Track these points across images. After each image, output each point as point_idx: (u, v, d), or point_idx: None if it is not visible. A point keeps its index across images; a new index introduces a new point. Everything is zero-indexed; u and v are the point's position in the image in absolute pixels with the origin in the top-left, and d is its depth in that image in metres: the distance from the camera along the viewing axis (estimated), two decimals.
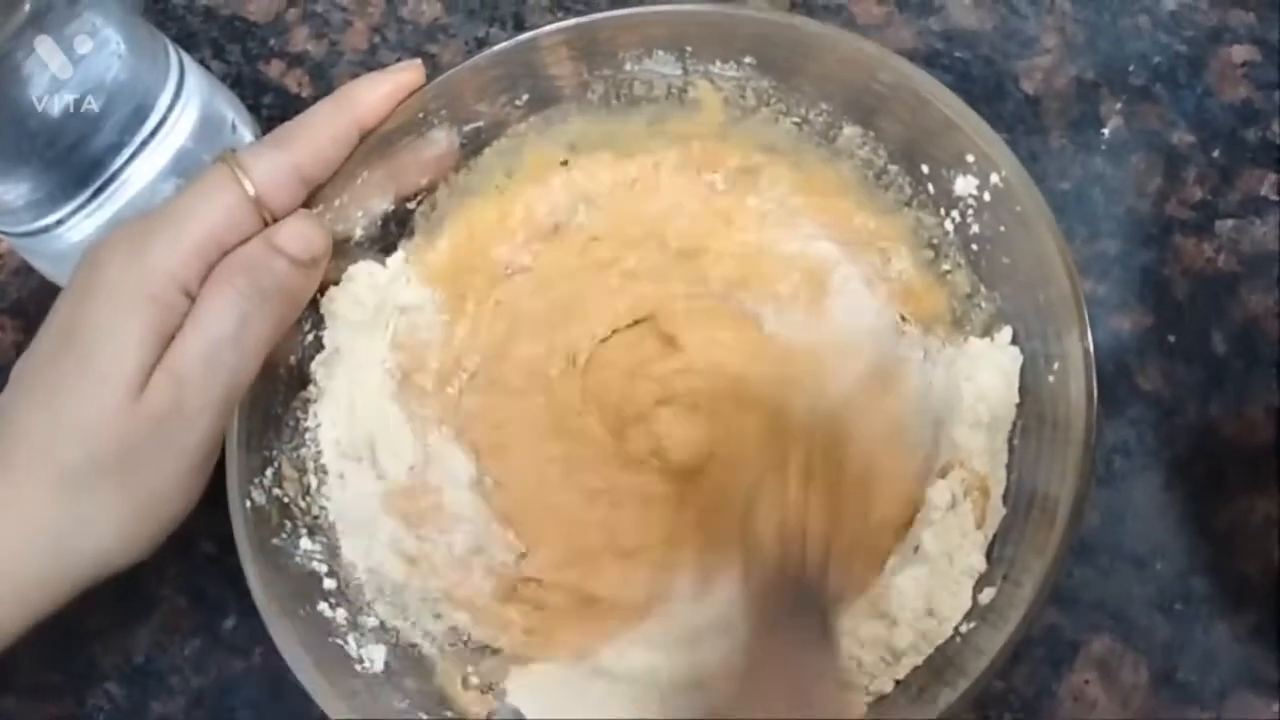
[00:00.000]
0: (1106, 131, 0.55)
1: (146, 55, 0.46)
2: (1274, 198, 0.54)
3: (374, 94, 0.44)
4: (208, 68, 0.53)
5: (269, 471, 0.44)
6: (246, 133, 0.51)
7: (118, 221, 0.46)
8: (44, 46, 0.43)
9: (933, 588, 0.43)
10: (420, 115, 0.46)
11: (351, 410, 0.47)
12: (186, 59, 0.49)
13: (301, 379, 0.46)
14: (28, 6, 0.42)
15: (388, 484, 0.47)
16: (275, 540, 0.43)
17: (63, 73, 0.43)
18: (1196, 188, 0.54)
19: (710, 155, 0.50)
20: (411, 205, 0.48)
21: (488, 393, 0.50)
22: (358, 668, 0.43)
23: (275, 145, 0.43)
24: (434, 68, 0.49)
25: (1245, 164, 0.54)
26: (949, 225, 0.46)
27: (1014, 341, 0.45)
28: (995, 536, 0.43)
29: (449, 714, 0.44)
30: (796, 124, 0.48)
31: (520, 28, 0.58)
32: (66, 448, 0.39)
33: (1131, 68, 0.56)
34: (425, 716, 0.43)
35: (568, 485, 0.49)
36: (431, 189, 0.48)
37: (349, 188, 0.45)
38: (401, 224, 0.48)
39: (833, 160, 0.48)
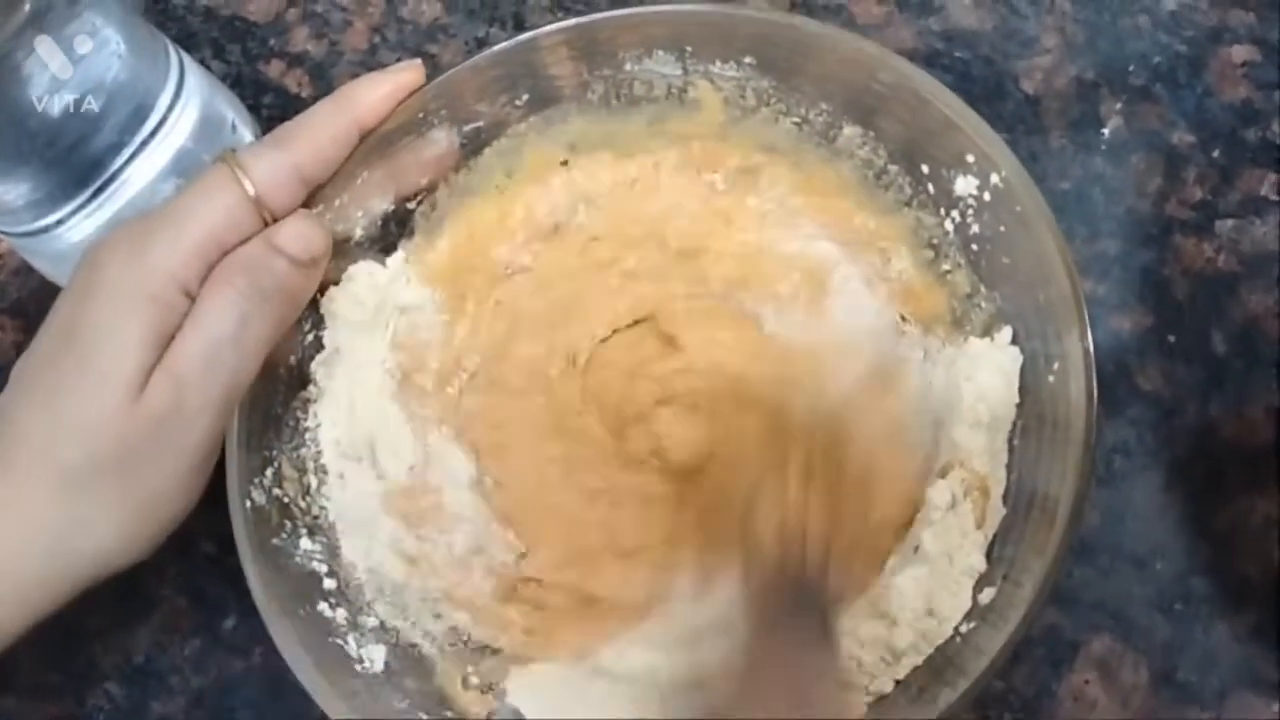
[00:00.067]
0: (1106, 131, 0.55)
1: (146, 55, 0.46)
2: (1274, 198, 0.54)
3: (374, 94, 0.44)
4: (208, 68, 0.53)
5: (269, 471, 0.44)
6: (246, 133, 0.51)
7: (118, 222, 0.46)
8: (44, 46, 0.43)
9: (933, 588, 0.43)
10: (420, 115, 0.46)
11: (351, 410, 0.47)
12: (186, 59, 0.49)
13: (301, 379, 0.46)
14: (27, 6, 0.42)
15: (388, 484, 0.47)
16: (275, 540, 0.43)
17: (63, 73, 0.43)
18: (1196, 188, 0.54)
19: (710, 155, 0.50)
20: (411, 205, 0.48)
21: (488, 393, 0.50)
22: (358, 668, 0.43)
23: (275, 145, 0.43)
24: (434, 68, 0.49)
25: (1245, 164, 0.54)
26: (949, 225, 0.46)
27: (1014, 341, 0.45)
28: (995, 536, 0.43)
29: (449, 714, 0.44)
30: (796, 124, 0.48)
31: (520, 28, 0.58)
32: (66, 448, 0.39)
33: (1131, 68, 0.56)
34: (425, 716, 0.43)
35: (568, 485, 0.49)
36: (431, 189, 0.48)
37: (349, 188, 0.45)
38: (401, 224, 0.48)
39: (833, 160, 0.48)
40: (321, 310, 0.46)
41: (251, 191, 0.41)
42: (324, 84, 0.58)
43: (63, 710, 0.49)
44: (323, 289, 0.46)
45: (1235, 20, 0.56)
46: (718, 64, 0.47)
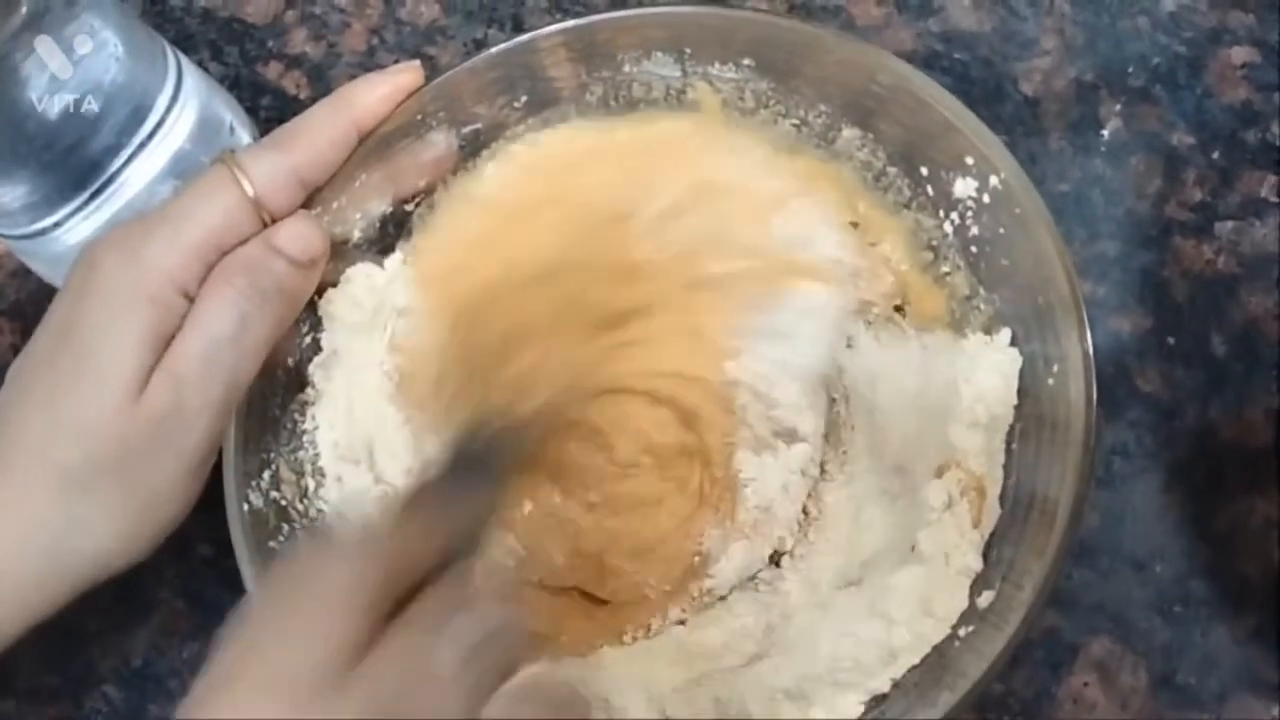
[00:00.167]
0: (1106, 133, 0.55)
1: (144, 57, 0.46)
2: (1273, 199, 0.54)
3: (372, 96, 0.44)
4: (206, 69, 0.53)
5: (266, 474, 0.44)
6: (244, 135, 0.51)
7: (115, 224, 0.46)
8: (44, 46, 0.43)
9: (929, 587, 0.43)
10: (418, 117, 0.46)
11: (349, 413, 0.47)
12: (184, 61, 0.49)
13: (299, 381, 0.46)
14: (24, 8, 0.42)
15: (385, 487, 0.47)
16: (273, 543, 0.43)
17: (62, 73, 0.43)
18: (1196, 189, 0.54)
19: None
20: (410, 207, 0.48)
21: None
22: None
23: (274, 147, 0.43)
24: (432, 69, 0.48)
25: (1245, 166, 0.54)
26: (948, 227, 0.46)
27: (1013, 343, 0.45)
28: (994, 538, 0.43)
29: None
30: (795, 126, 0.48)
31: (519, 29, 0.58)
32: (65, 448, 0.39)
33: (1131, 69, 0.56)
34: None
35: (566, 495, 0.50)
36: (430, 191, 0.48)
37: (347, 190, 0.45)
38: (400, 226, 0.48)
39: (832, 162, 0.48)
40: (319, 313, 0.46)
41: (250, 193, 0.41)
42: (322, 86, 0.58)
43: (61, 713, 0.49)
44: (320, 291, 0.46)
45: (1235, 21, 0.56)
46: (716, 66, 0.47)
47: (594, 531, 0.49)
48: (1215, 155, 0.55)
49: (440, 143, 0.47)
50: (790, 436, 0.50)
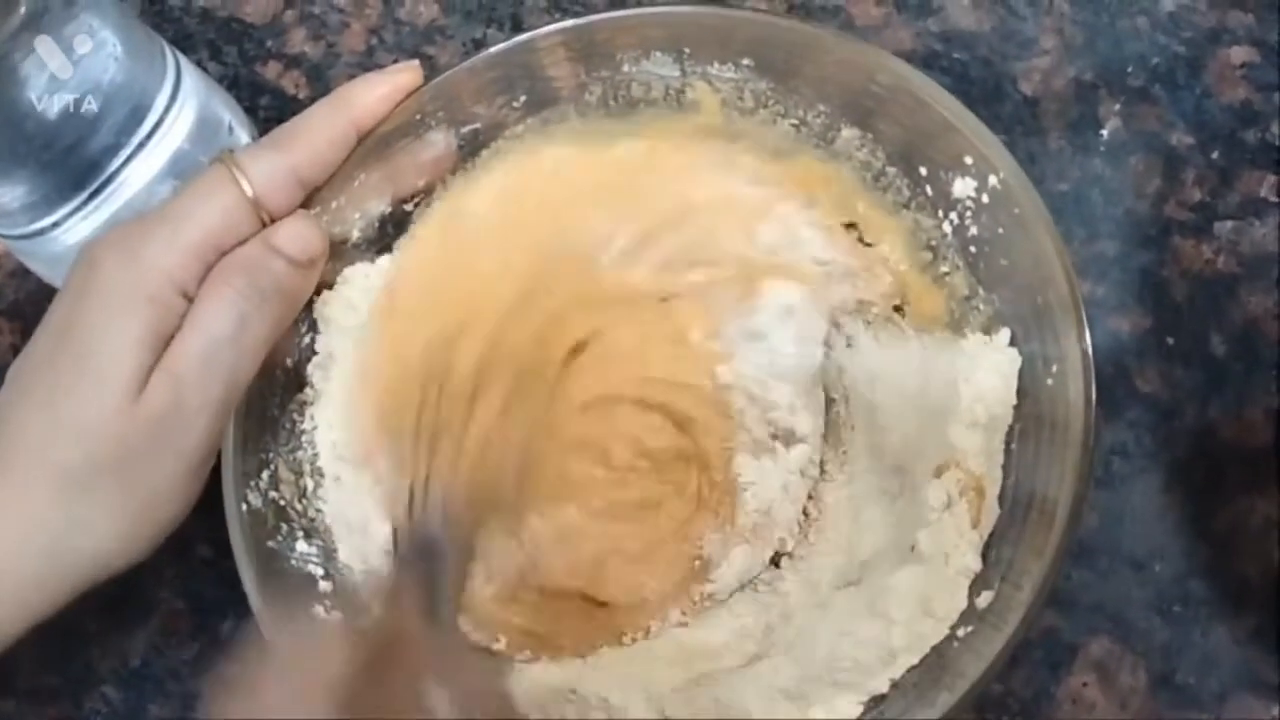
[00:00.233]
0: (1105, 133, 0.55)
1: (143, 57, 0.46)
2: (1273, 199, 0.54)
3: (371, 95, 0.44)
4: (204, 69, 0.53)
5: (265, 474, 0.44)
6: (243, 134, 0.51)
7: (114, 224, 0.46)
8: (44, 46, 0.43)
9: (928, 587, 0.43)
10: (417, 117, 0.46)
11: (348, 413, 0.47)
12: (183, 60, 0.49)
13: (298, 381, 0.46)
14: (23, 8, 0.42)
15: (385, 487, 0.47)
16: (271, 543, 0.43)
17: (62, 73, 0.43)
18: (1195, 189, 0.54)
19: None
20: (409, 207, 0.48)
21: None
22: None
23: (273, 147, 0.43)
24: (431, 69, 0.48)
25: (1244, 165, 0.54)
26: (947, 227, 0.46)
27: (1012, 343, 0.45)
28: (993, 539, 0.43)
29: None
30: (795, 126, 0.48)
31: (518, 29, 0.58)
32: (65, 448, 0.39)
33: (1130, 69, 0.56)
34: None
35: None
36: (428, 191, 0.48)
37: (346, 189, 0.45)
38: (399, 226, 0.48)
39: (831, 162, 0.48)
40: (315, 315, 0.46)
41: (249, 192, 0.41)
42: (321, 85, 0.58)
43: (60, 713, 0.49)
44: (318, 291, 0.46)
45: (1234, 21, 0.56)
46: (715, 65, 0.47)
47: (596, 537, 0.49)
48: (1215, 155, 0.55)
49: (439, 142, 0.47)
50: (789, 438, 0.50)
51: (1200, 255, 0.53)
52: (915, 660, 0.42)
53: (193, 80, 0.49)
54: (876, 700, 0.42)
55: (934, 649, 0.42)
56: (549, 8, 0.59)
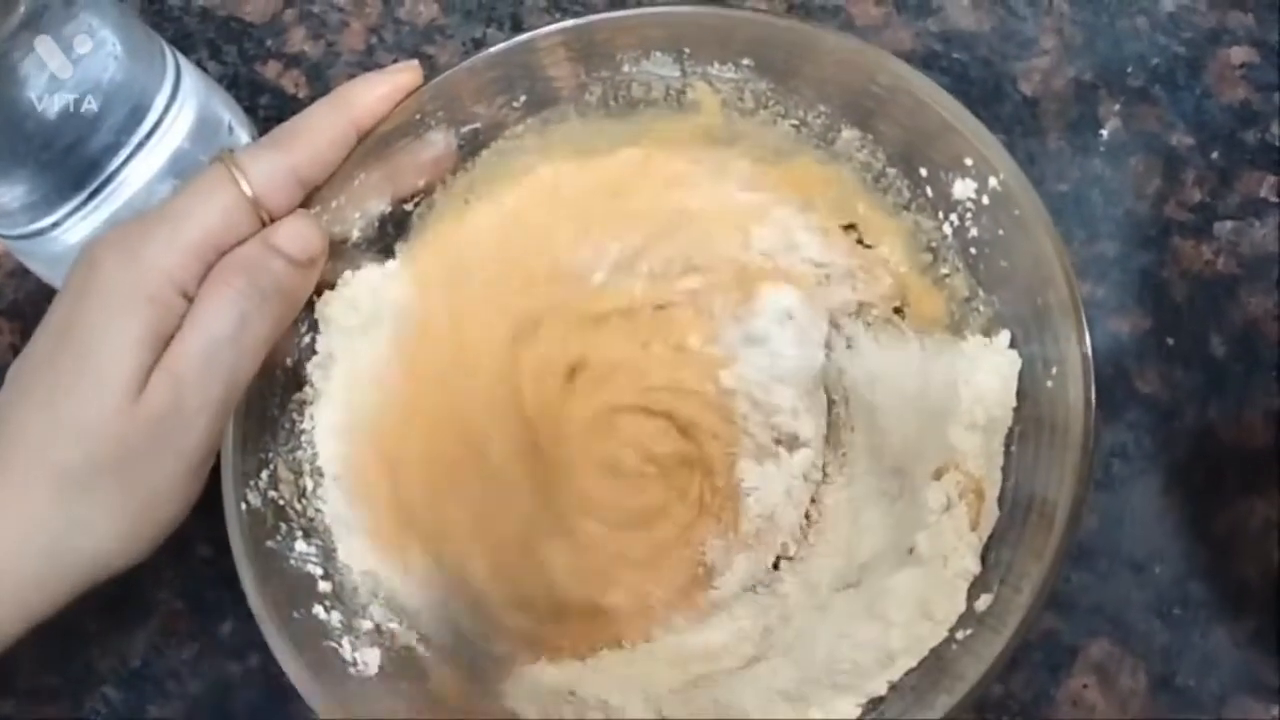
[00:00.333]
0: (1105, 133, 0.55)
1: (143, 56, 0.46)
2: (1273, 199, 0.54)
3: (371, 95, 0.44)
4: (204, 69, 0.53)
5: (264, 474, 0.44)
6: (243, 134, 0.51)
7: (114, 223, 0.46)
8: (44, 46, 0.43)
9: (927, 590, 0.43)
10: (417, 117, 0.46)
11: (348, 413, 0.47)
12: (182, 60, 0.49)
13: (298, 381, 0.46)
14: (23, 8, 0.42)
15: (417, 576, 0.47)
16: (270, 543, 0.43)
17: (62, 72, 0.43)
18: (1195, 190, 0.54)
19: None
20: (409, 207, 0.48)
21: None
22: (352, 670, 0.43)
23: (273, 146, 0.43)
24: (431, 69, 0.48)
25: (1244, 166, 0.54)
26: (948, 229, 0.46)
27: (1012, 345, 0.45)
28: (993, 541, 0.43)
29: (444, 717, 0.44)
30: (795, 126, 0.48)
31: (517, 29, 0.58)
32: (65, 449, 0.39)
33: (1130, 69, 0.56)
34: None
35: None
36: (429, 191, 0.48)
37: (346, 189, 0.45)
38: (399, 226, 0.48)
39: (832, 163, 0.48)
40: (316, 315, 0.46)
41: (249, 192, 0.41)
42: (321, 85, 0.58)
43: (60, 713, 0.49)
44: (319, 291, 0.46)
45: (1234, 21, 0.56)
46: (716, 66, 0.47)
47: (605, 545, 0.49)
48: (1214, 155, 0.55)
49: (439, 142, 0.47)
50: (792, 442, 0.50)
51: (1200, 256, 0.53)
52: (914, 663, 0.42)
53: (192, 80, 0.49)
54: (875, 702, 0.42)
55: (933, 652, 0.42)
56: (548, 7, 0.59)
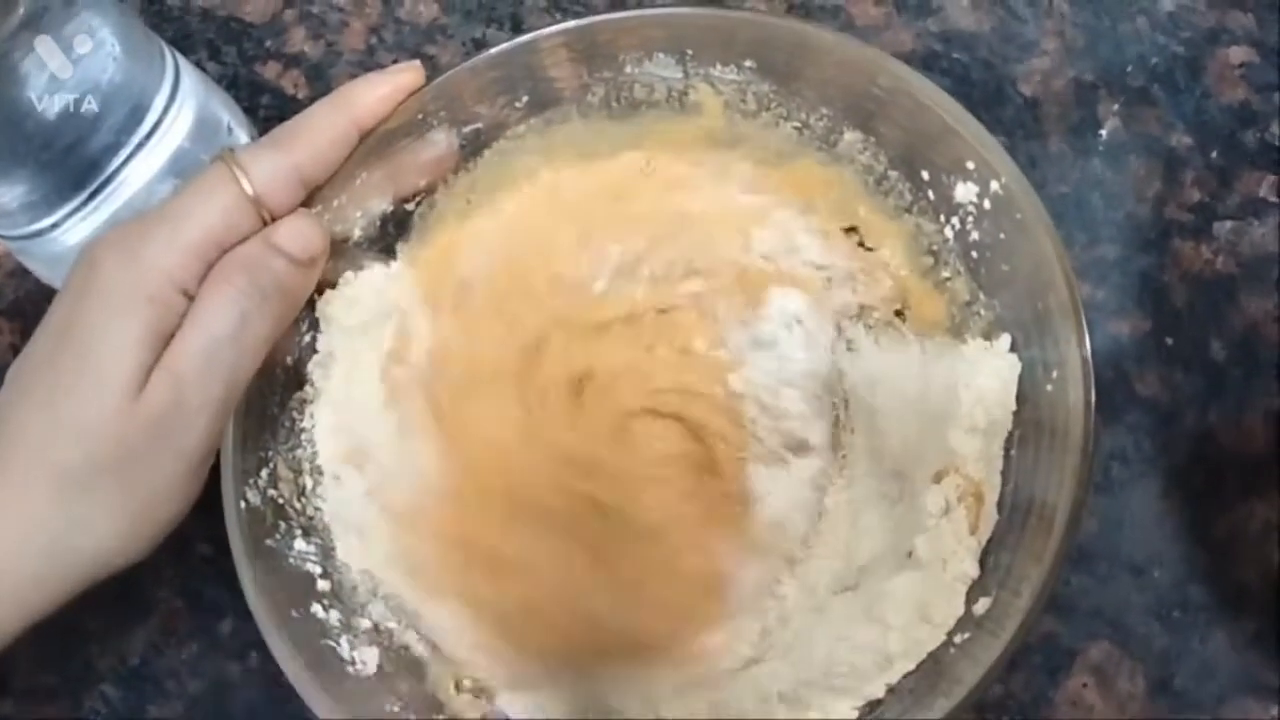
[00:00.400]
0: (1104, 134, 0.55)
1: (142, 56, 0.46)
2: (1273, 199, 0.54)
3: (372, 95, 0.44)
4: (204, 69, 0.53)
5: (264, 472, 0.44)
6: (242, 134, 0.51)
7: (114, 223, 0.46)
8: (44, 46, 0.43)
9: (926, 593, 0.43)
10: (419, 117, 0.46)
11: (348, 412, 0.47)
12: (182, 60, 0.49)
13: (298, 380, 0.46)
14: (23, 8, 0.42)
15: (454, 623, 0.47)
16: (269, 541, 0.43)
17: (62, 72, 0.43)
18: (1195, 190, 0.54)
19: None
20: (410, 207, 0.48)
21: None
22: (350, 670, 0.43)
23: (274, 146, 0.43)
24: (432, 69, 0.48)
25: (1244, 166, 0.54)
26: (949, 232, 0.46)
27: (1013, 349, 0.45)
28: (992, 544, 0.43)
29: (441, 717, 0.44)
30: (797, 129, 0.48)
31: (518, 29, 0.58)
32: (65, 448, 0.39)
33: (1129, 70, 0.56)
34: (417, 719, 0.43)
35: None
36: (430, 190, 0.48)
37: (347, 189, 0.45)
38: (400, 225, 0.48)
39: (834, 165, 0.48)
40: (317, 314, 0.46)
41: (250, 191, 0.41)
42: (321, 85, 0.58)
43: (59, 713, 0.49)
44: (320, 290, 0.46)
45: (1233, 22, 0.56)
46: (718, 67, 0.47)
47: (615, 551, 0.49)
48: (1214, 155, 0.55)
49: (441, 142, 0.47)
50: (800, 448, 0.50)
51: (1200, 256, 0.53)
52: (912, 666, 0.42)
53: (191, 80, 0.49)
54: (873, 705, 0.42)
55: (931, 655, 0.42)
56: (549, 8, 0.59)
